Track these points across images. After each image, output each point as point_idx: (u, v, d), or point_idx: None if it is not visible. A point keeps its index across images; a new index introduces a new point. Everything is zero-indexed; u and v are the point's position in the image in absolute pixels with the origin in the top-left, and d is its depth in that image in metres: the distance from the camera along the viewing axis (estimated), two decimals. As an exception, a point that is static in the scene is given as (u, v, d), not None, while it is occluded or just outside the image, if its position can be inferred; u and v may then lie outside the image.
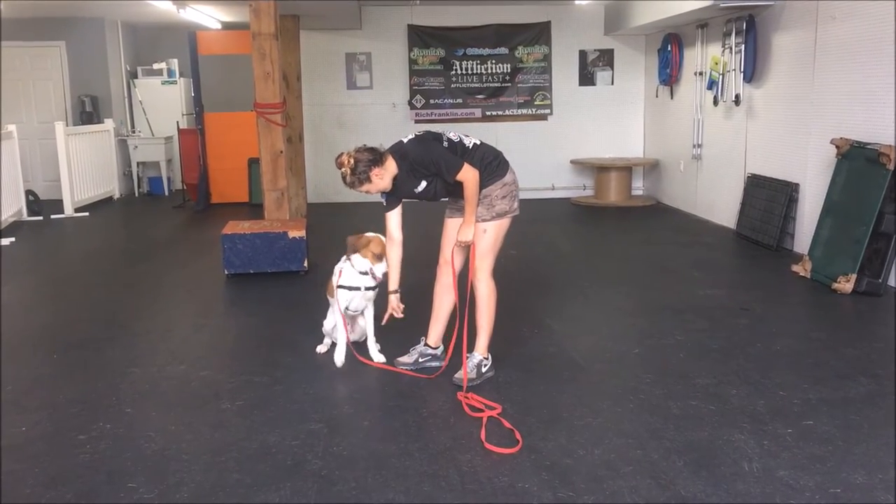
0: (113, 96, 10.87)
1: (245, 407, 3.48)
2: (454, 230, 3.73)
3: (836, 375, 3.73)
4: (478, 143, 3.68)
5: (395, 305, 3.84)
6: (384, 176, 3.55)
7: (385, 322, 3.96)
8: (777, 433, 3.10)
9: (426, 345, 3.94)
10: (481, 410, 3.32)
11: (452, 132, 3.71)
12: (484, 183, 3.59)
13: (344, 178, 3.55)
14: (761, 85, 7.08)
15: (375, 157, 3.53)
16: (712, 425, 3.19)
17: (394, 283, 3.83)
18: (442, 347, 3.93)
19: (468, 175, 3.51)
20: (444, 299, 3.88)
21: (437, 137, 3.64)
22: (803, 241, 6.18)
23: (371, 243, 3.90)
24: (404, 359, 3.91)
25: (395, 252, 3.78)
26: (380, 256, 3.87)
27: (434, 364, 3.87)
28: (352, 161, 3.50)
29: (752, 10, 7.00)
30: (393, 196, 3.70)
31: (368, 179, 3.53)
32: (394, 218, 3.75)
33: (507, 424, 3.19)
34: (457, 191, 3.60)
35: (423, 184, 3.61)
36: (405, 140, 3.65)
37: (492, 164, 3.63)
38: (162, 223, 9.06)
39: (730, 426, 3.17)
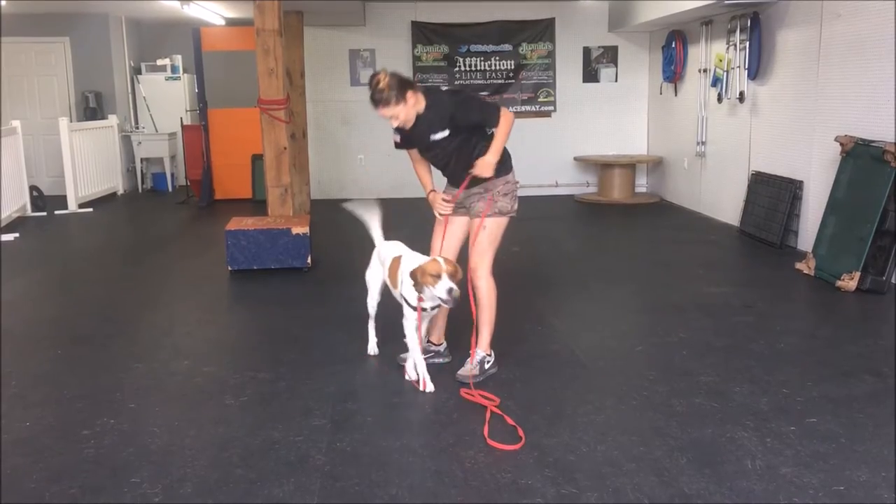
0: (117, 92, 10.88)
1: (249, 402, 3.49)
2: (455, 228, 3.73)
3: (840, 373, 3.73)
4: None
5: (439, 201, 3.73)
6: (415, 105, 3.49)
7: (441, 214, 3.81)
8: (780, 431, 3.10)
9: (429, 342, 3.94)
10: (485, 405, 3.33)
11: None
12: (496, 171, 3.59)
13: (381, 92, 3.38)
14: (766, 82, 7.06)
15: (411, 82, 3.50)
16: (716, 423, 3.19)
17: (428, 186, 3.79)
18: (445, 344, 3.93)
19: (508, 115, 3.56)
20: None
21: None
22: (807, 238, 6.17)
23: (426, 269, 3.45)
24: (407, 356, 3.91)
25: (421, 165, 3.78)
26: (437, 275, 3.41)
27: (438, 361, 3.87)
28: (388, 79, 3.41)
29: (757, 8, 6.98)
30: (406, 138, 3.66)
31: (404, 100, 3.43)
32: (412, 151, 3.75)
33: (510, 421, 3.19)
34: (462, 162, 3.59)
35: (445, 133, 3.55)
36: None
37: (503, 153, 3.64)
38: (165, 219, 9.08)
39: (733, 424, 3.17)
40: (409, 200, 3.80)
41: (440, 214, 3.77)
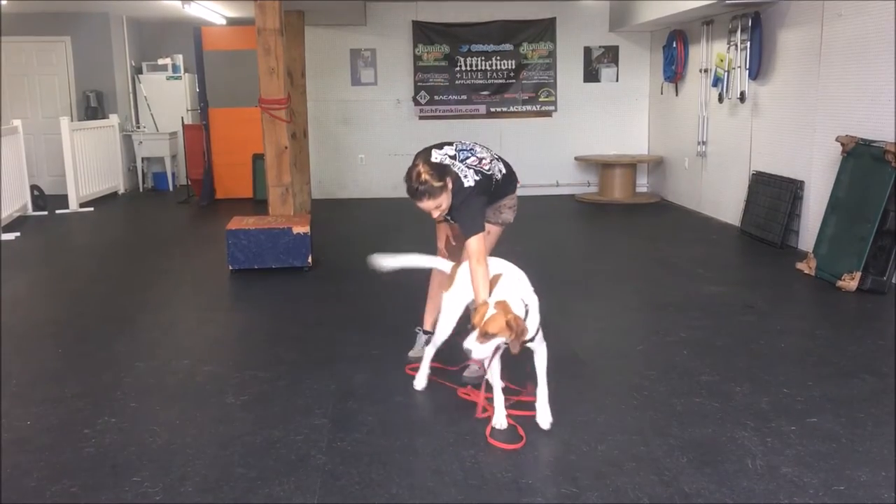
0: (118, 92, 10.89)
1: (249, 401, 3.49)
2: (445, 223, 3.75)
3: (841, 373, 3.73)
4: (502, 169, 3.62)
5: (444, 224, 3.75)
6: (452, 188, 3.36)
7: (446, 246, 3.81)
8: (781, 430, 3.10)
9: (426, 331, 3.93)
10: (486, 405, 3.33)
11: (486, 155, 3.57)
12: (504, 192, 3.65)
13: (424, 183, 3.24)
14: (767, 82, 7.06)
15: (448, 166, 3.36)
16: (716, 422, 3.19)
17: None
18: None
19: (476, 246, 3.27)
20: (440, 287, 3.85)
21: (485, 185, 3.47)
22: (808, 238, 6.17)
23: (476, 312, 3.09)
24: (417, 353, 3.88)
25: None
26: (473, 328, 3.06)
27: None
28: (428, 168, 3.28)
29: (758, 7, 6.98)
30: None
31: (447, 188, 3.29)
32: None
33: (510, 420, 3.19)
34: None
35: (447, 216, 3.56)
36: (468, 177, 3.40)
37: (512, 177, 3.71)
38: (166, 219, 9.08)
39: (733, 423, 3.17)
40: (409, 200, 3.77)
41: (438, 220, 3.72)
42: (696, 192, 8.80)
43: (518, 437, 3.05)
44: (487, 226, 3.63)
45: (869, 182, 5.30)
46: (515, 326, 3.00)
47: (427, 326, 3.96)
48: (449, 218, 3.57)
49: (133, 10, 10.42)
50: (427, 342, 3.90)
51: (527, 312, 3.12)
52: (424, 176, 3.27)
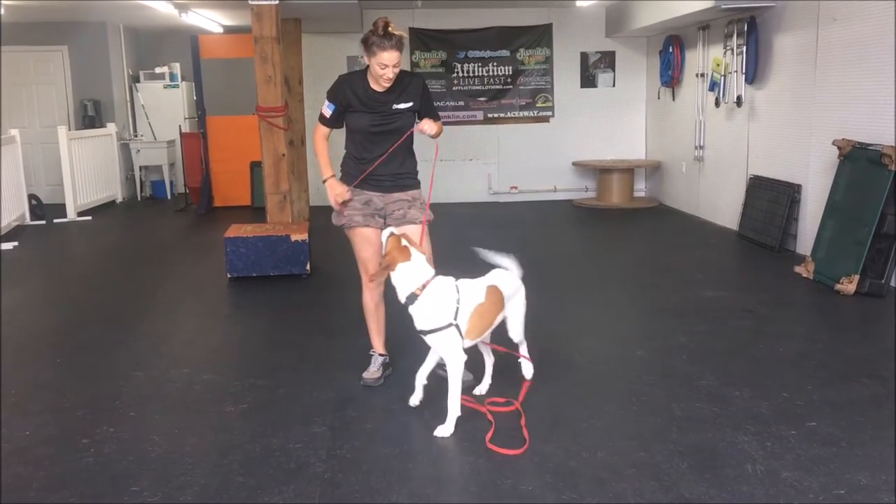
0: (115, 100, 10.90)
1: (249, 410, 3.49)
2: (376, 240, 3.61)
3: (840, 377, 3.73)
4: None
5: (340, 191, 3.62)
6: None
7: (337, 207, 3.68)
8: (781, 435, 3.10)
9: (381, 354, 3.82)
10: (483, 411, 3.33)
11: None
12: (417, 184, 3.72)
13: (394, 36, 3.33)
14: (763, 86, 7.08)
15: None
16: (716, 427, 3.19)
17: (329, 171, 3.69)
18: (387, 357, 3.86)
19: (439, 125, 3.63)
20: (381, 309, 3.79)
21: None
22: (806, 242, 6.18)
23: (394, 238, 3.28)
24: (371, 375, 3.75)
25: (325, 147, 3.73)
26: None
27: (388, 372, 3.82)
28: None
29: (754, 12, 7.00)
30: (342, 110, 3.63)
31: (402, 48, 3.40)
32: (325, 130, 3.72)
33: (509, 425, 3.19)
34: (397, 152, 3.62)
35: (409, 105, 3.58)
36: None
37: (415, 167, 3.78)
38: (164, 227, 9.08)
39: (733, 428, 3.17)
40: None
41: (337, 203, 3.63)
42: (693, 197, 8.81)
43: (518, 443, 3.05)
44: (417, 227, 3.59)
45: (866, 185, 5.31)
46: (384, 257, 3.24)
47: (382, 350, 3.83)
48: (409, 105, 3.57)
49: (130, 19, 10.43)
50: (383, 363, 3.80)
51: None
52: (392, 28, 3.34)
